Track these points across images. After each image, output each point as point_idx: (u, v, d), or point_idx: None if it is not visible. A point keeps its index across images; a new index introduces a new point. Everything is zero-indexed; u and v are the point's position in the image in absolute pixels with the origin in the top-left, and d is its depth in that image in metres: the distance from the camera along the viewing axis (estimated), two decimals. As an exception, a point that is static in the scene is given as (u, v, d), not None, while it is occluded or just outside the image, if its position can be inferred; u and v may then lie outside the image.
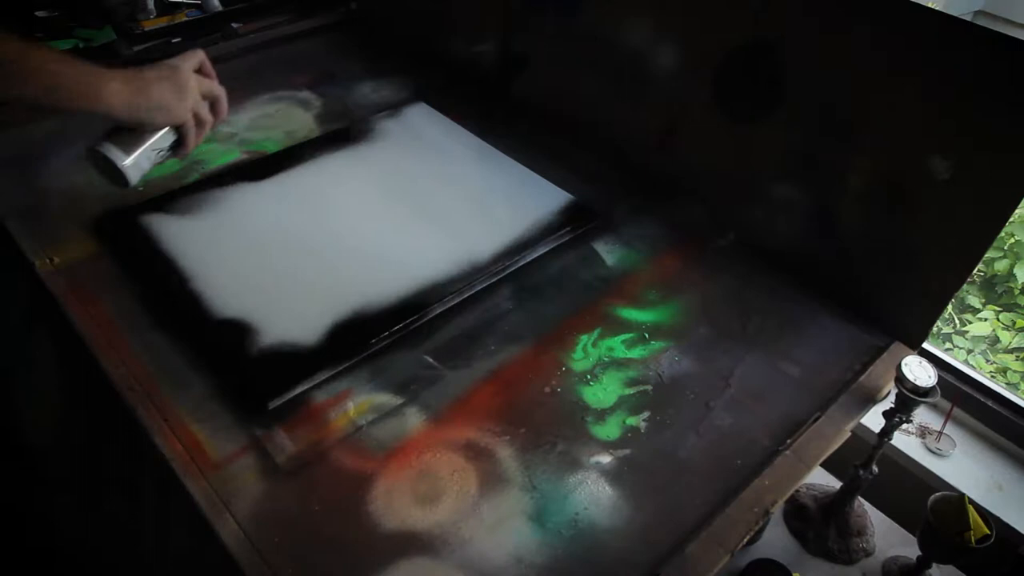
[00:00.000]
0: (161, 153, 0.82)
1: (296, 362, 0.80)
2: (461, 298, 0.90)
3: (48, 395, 1.03)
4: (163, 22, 1.40)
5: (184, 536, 0.75)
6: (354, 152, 1.13)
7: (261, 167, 1.09)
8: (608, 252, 1.00)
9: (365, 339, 0.83)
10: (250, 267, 0.92)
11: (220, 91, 0.85)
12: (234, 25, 1.45)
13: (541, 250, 0.98)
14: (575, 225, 1.01)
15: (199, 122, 0.82)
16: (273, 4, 1.51)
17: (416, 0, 1.41)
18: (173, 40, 1.40)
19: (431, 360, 0.84)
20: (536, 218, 1.01)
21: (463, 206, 1.04)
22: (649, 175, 1.10)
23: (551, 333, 0.88)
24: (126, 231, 0.96)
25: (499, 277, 0.93)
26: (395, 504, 0.70)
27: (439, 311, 0.88)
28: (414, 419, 0.78)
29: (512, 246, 0.97)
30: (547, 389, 0.82)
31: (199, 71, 0.83)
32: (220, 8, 1.45)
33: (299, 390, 0.79)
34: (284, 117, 1.22)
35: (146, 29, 1.38)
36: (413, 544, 0.67)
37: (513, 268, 0.95)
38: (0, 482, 1.07)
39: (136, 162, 0.80)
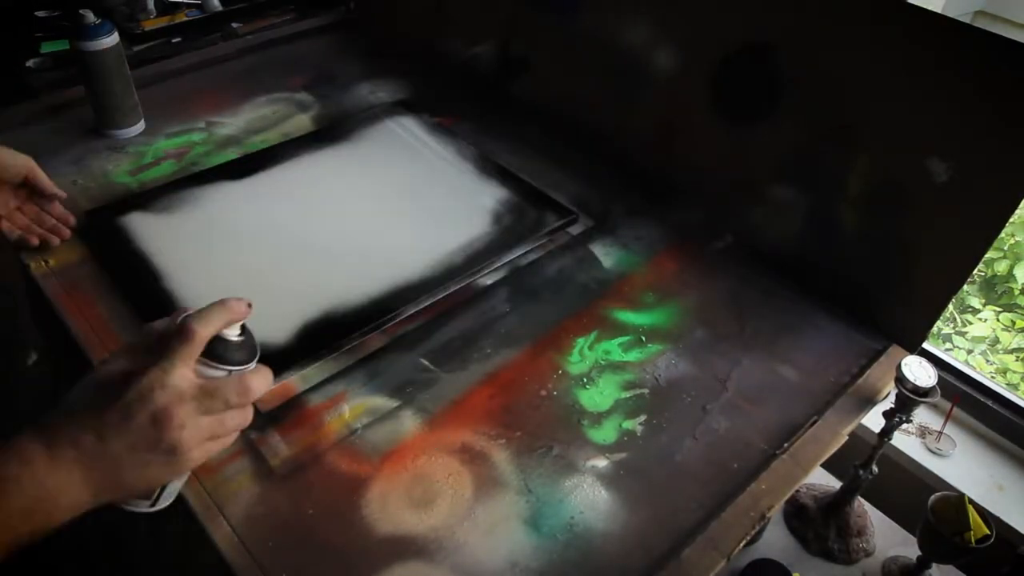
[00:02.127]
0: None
1: (263, 360, 0.80)
2: (432, 300, 0.90)
3: (43, 397, 1.03)
4: (163, 22, 1.41)
5: (178, 539, 0.75)
6: (335, 152, 1.13)
7: (241, 165, 1.09)
8: (605, 254, 0.99)
9: (334, 339, 0.84)
10: (223, 265, 0.92)
11: (247, 388, 0.55)
12: (234, 25, 1.45)
13: (517, 252, 0.98)
14: (552, 227, 1.01)
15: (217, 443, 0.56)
16: (273, 3, 1.51)
17: (414, 1, 1.41)
18: (173, 40, 1.40)
19: (427, 363, 0.84)
20: (511, 222, 1.01)
21: (440, 209, 1.03)
22: (646, 176, 1.10)
23: (547, 336, 0.88)
24: (104, 229, 0.96)
25: (471, 280, 0.93)
26: (390, 508, 0.70)
27: (410, 312, 0.88)
28: (409, 422, 0.78)
29: (486, 248, 0.97)
30: (543, 392, 0.81)
31: (214, 342, 0.55)
32: (220, 8, 1.45)
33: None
34: (281, 118, 1.21)
35: (146, 29, 1.38)
36: (408, 548, 0.67)
37: (488, 271, 0.95)
38: None
39: (162, 500, 0.59)
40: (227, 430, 0.56)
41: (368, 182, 1.08)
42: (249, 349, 0.58)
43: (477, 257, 0.95)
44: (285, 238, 0.97)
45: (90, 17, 1.03)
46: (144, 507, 0.57)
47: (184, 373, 0.53)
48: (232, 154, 1.13)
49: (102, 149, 1.12)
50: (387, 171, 1.10)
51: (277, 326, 0.84)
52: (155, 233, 0.96)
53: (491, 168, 1.10)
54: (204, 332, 0.54)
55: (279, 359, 0.80)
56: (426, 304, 0.89)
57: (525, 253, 0.98)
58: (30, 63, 1.30)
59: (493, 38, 1.28)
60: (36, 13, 1.37)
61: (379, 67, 1.36)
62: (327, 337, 0.84)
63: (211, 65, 1.33)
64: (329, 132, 1.17)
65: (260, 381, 0.56)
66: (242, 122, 1.20)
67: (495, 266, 0.95)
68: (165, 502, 0.59)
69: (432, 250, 0.95)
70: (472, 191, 1.06)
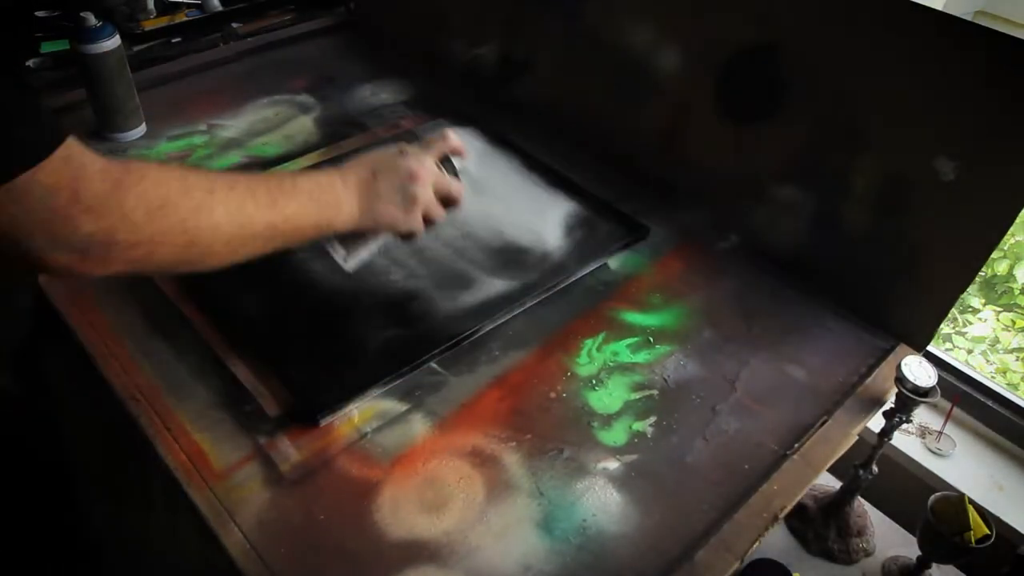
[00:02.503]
0: (384, 243, 0.82)
1: (345, 378, 0.79)
2: (510, 316, 0.89)
3: (62, 407, 1.02)
4: (163, 22, 1.40)
5: (192, 546, 0.75)
6: None
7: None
8: (612, 256, 0.99)
9: (415, 356, 0.82)
10: (295, 284, 0.90)
11: (455, 188, 0.80)
12: (234, 25, 1.44)
13: (592, 266, 0.96)
14: (623, 240, 1.00)
15: (427, 222, 0.79)
16: (273, 4, 1.50)
17: (415, 2, 1.40)
18: (173, 40, 1.39)
19: (435, 366, 0.83)
20: (583, 235, 1.00)
21: (510, 222, 1.01)
22: (651, 177, 1.10)
23: (555, 337, 0.88)
24: None
25: (548, 295, 0.92)
26: (401, 512, 0.70)
27: (488, 328, 0.87)
28: (419, 426, 0.77)
29: (561, 263, 0.95)
30: (552, 394, 0.81)
31: (443, 159, 0.81)
32: (220, 8, 1.44)
33: (349, 407, 0.78)
34: (283, 120, 1.21)
35: (146, 29, 1.37)
36: (420, 553, 0.67)
37: (563, 285, 0.93)
38: (30, 493, 1.07)
39: (358, 260, 0.81)
40: (433, 212, 0.79)
41: None
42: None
43: (553, 272, 0.93)
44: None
45: (91, 20, 1.02)
46: (341, 256, 0.80)
47: (432, 160, 0.79)
48: (235, 157, 1.12)
49: (103, 152, 1.10)
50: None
51: (356, 343, 0.83)
52: None
53: (558, 180, 1.08)
54: (453, 139, 0.83)
55: (360, 376, 0.79)
56: (503, 320, 0.88)
57: (575, 269, 0.95)
58: (30, 63, 1.29)
59: (494, 39, 1.28)
60: (36, 13, 1.36)
61: (380, 68, 1.36)
62: (408, 354, 0.82)
63: (212, 67, 1.33)
64: (393, 142, 1.14)
65: (463, 192, 0.82)
66: (244, 124, 1.19)
67: (570, 280, 0.94)
68: (354, 263, 0.81)
69: (507, 265, 0.94)
70: (541, 204, 1.04)
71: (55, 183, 0.52)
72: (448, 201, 0.80)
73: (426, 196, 0.77)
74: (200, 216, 0.62)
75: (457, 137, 0.82)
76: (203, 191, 0.62)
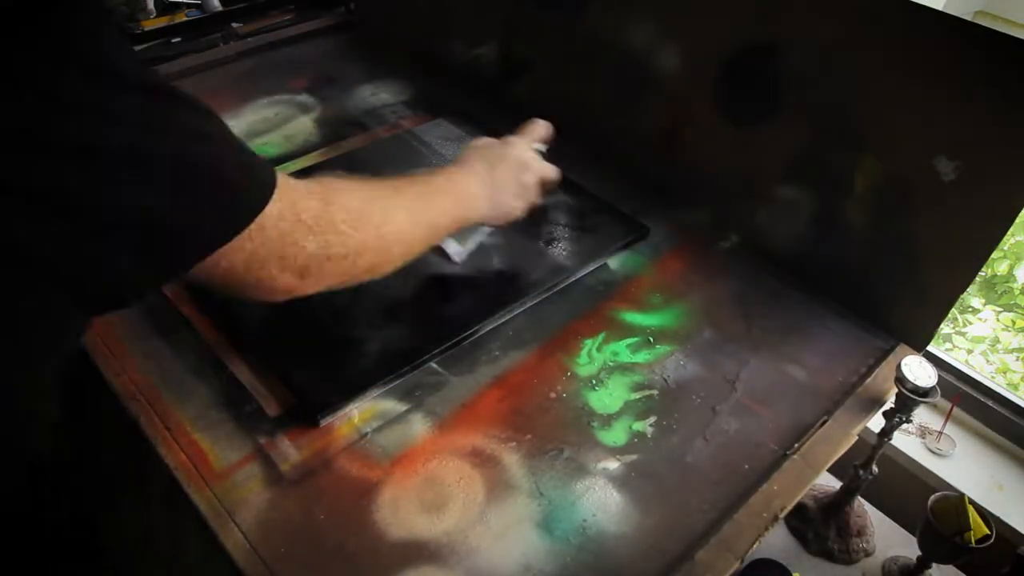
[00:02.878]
0: (488, 231, 0.88)
1: (346, 378, 0.79)
2: (511, 315, 0.89)
3: (51, 404, 1.02)
4: (163, 22, 1.40)
5: (191, 546, 0.75)
6: (401, 160, 1.10)
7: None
8: (611, 256, 0.99)
9: (414, 358, 0.82)
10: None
11: (552, 174, 0.85)
12: (234, 25, 1.44)
13: (591, 266, 0.96)
14: (623, 240, 1.00)
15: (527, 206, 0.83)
16: (273, 4, 1.51)
17: (415, 2, 1.40)
18: (173, 40, 1.39)
19: (435, 366, 0.83)
20: (584, 235, 1.00)
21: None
22: (651, 177, 1.10)
23: (555, 338, 0.88)
24: None
25: (548, 294, 0.92)
26: (401, 512, 0.70)
27: (488, 328, 0.87)
28: (419, 426, 0.77)
29: (561, 263, 0.95)
30: (552, 394, 0.81)
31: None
32: (220, 8, 1.44)
33: (349, 407, 0.78)
34: (283, 120, 1.21)
35: (146, 29, 1.38)
36: (420, 553, 0.67)
37: (563, 285, 0.93)
38: (11, 493, 1.07)
39: (467, 251, 0.87)
40: (534, 195, 0.84)
41: None
42: None
43: (553, 272, 0.93)
44: None
45: None
46: (455, 250, 0.85)
47: (535, 159, 0.83)
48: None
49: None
50: None
51: (357, 343, 0.82)
52: None
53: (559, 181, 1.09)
54: (543, 126, 0.87)
55: (360, 376, 0.79)
56: (503, 320, 0.88)
57: (576, 269, 0.95)
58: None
59: (494, 39, 1.28)
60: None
61: (380, 68, 1.36)
62: (408, 354, 0.82)
63: (211, 68, 1.33)
64: (393, 140, 1.15)
65: (557, 173, 0.86)
66: (244, 124, 1.19)
67: (570, 280, 0.94)
68: (465, 255, 0.87)
69: (506, 265, 0.94)
70: (540, 204, 1.05)
71: (279, 211, 0.54)
72: (546, 186, 0.85)
73: (533, 184, 0.81)
74: (388, 220, 0.64)
75: (546, 125, 0.87)
76: (383, 197, 0.65)
